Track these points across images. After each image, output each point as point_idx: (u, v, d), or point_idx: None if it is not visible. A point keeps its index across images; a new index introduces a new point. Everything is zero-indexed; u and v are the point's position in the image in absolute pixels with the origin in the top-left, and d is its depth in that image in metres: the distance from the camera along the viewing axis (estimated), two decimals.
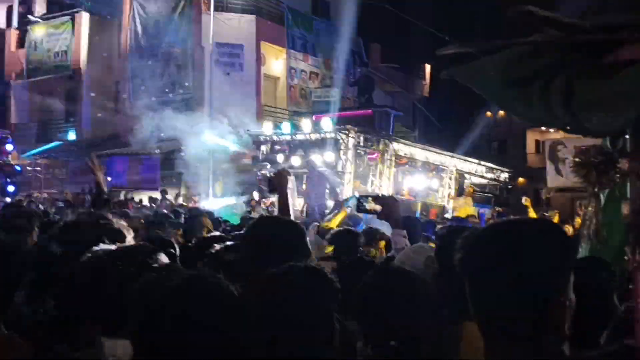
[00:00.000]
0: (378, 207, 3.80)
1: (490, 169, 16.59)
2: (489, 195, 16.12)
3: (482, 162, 16.42)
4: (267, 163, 13.37)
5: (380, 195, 8.76)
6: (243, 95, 19.18)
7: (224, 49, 19.16)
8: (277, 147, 13.48)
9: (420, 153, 14.15)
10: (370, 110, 13.73)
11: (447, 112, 28.07)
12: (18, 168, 16.12)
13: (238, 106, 18.77)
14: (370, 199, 4.12)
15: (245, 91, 19.39)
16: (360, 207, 4.40)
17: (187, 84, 19.42)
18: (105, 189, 4.43)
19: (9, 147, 15.75)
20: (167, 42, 19.49)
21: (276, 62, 21.15)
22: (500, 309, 1.18)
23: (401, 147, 13.51)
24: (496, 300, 1.18)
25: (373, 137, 12.80)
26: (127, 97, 20.45)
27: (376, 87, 18.51)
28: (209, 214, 6.32)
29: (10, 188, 14.72)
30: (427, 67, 27.39)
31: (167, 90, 19.73)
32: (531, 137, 30.39)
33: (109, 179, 18.55)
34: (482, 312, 1.22)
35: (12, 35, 22.99)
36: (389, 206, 3.64)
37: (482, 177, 16.21)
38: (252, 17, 19.63)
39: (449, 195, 14.56)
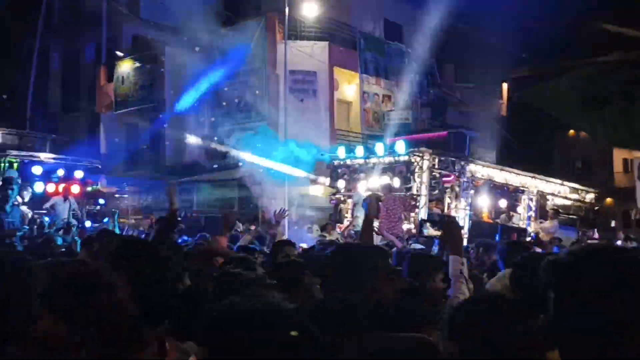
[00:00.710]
0: (437, 233, 3.70)
1: (575, 190, 15.87)
2: (574, 217, 15.40)
3: (565, 183, 15.75)
4: (341, 187, 13.45)
5: (442, 217, 8.58)
6: (317, 121, 19.49)
7: (297, 76, 19.59)
8: (346, 170, 13.51)
9: (499, 174, 13.77)
10: (445, 132, 13.53)
11: (526, 131, 27.24)
12: (102, 200, 16.98)
13: (312, 131, 19.06)
14: (428, 224, 3.94)
15: (319, 116, 19.70)
16: (421, 233, 4.26)
17: (262, 111, 19.93)
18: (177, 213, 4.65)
19: (99, 176, 16.61)
20: (243, 71, 20.15)
21: (349, 86, 21.37)
22: (600, 337, 1.13)
23: (478, 169, 13.20)
24: (600, 327, 1.13)
25: (448, 159, 12.60)
26: (206, 125, 21.23)
27: (451, 107, 18.29)
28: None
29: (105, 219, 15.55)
30: (504, 86, 26.73)
31: (244, 117, 20.34)
32: (618, 156, 28.93)
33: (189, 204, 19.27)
34: (571, 341, 1.17)
35: (102, 71, 24.53)
36: (450, 231, 3.53)
37: (566, 198, 15.53)
38: (325, 43, 19.99)
39: (530, 217, 14.04)
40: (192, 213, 18.96)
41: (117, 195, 20.74)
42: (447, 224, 3.71)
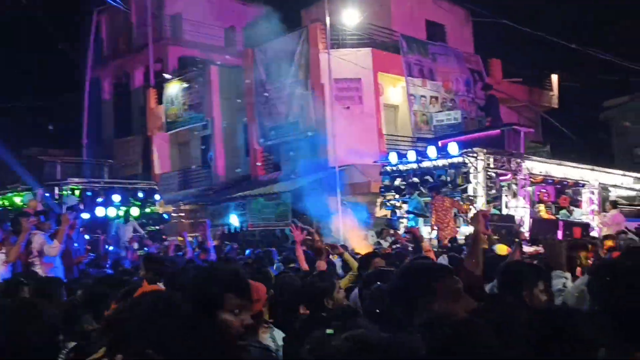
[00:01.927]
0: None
1: (639, 180, 15.21)
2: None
3: (627, 173, 15.11)
4: (395, 193, 13.33)
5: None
6: (364, 127, 19.42)
7: (342, 84, 19.59)
8: (399, 175, 13.35)
9: (557, 169, 13.34)
10: (498, 130, 13.22)
11: (579, 123, 26.37)
12: (165, 216, 17.35)
13: (360, 138, 19.02)
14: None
15: (366, 123, 19.63)
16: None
17: (309, 122, 20.00)
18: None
19: (156, 197, 17.01)
20: (289, 84, 20.31)
21: (394, 90, 21.23)
22: None
23: (535, 165, 12.83)
24: None
25: (503, 158, 12.30)
26: (255, 140, 21.48)
27: (500, 103, 17.87)
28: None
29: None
30: (554, 78, 26.00)
31: (292, 129, 20.48)
32: None
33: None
34: None
35: (151, 94, 25.21)
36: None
37: (631, 189, 14.89)
38: (368, 50, 19.93)
39: (593, 211, 13.53)
40: (247, 228, 19.20)
41: (174, 215, 21.23)
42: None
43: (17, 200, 15.49)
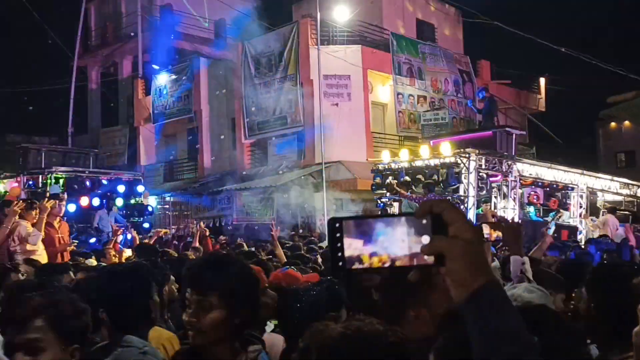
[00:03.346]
0: (496, 234, 3.57)
1: (625, 185, 15.37)
2: (626, 212, 14.90)
3: (615, 178, 15.27)
4: (386, 191, 13.30)
5: (501, 219, 8.32)
6: (352, 124, 19.38)
7: (331, 80, 19.53)
8: (390, 174, 13.33)
9: (547, 172, 13.43)
10: (490, 132, 13.26)
11: (566, 126, 26.65)
12: (150, 208, 17.15)
13: (348, 135, 18.97)
14: (486, 225, 3.74)
15: (355, 120, 19.59)
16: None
17: (297, 118, 19.92)
18: None
19: (141, 188, 16.79)
20: (278, 79, 20.19)
21: (383, 88, 21.22)
22: None
23: (525, 167, 12.90)
24: None
25: (495, 159, 12.33)
26: (243, 134, 21.33)
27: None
28: None
29: (146, 225, 15.77)
30: (542, 81, 26.21)
31: (279, 124, 20.37)
32: None
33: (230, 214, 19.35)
34: None
35: (139, 85, 24.91)
36: (514, 231, 3.35)
37: (617, 193, 15.05)
38: (358, 47, 19.89)
39: (580, 214, 13.65)
40: (232, 222, 19.06)
41: (159, 207, 21.00)
42: (512, 224, 3.65)
43: (0, 187, 15.18)
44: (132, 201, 16.72)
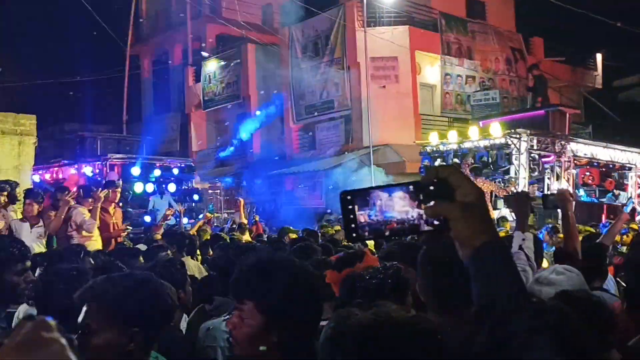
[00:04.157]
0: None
1: None
2: None
3: None
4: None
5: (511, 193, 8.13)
6: (400, 107, 19.19)
7: (378, 62, 19.36)
8: (439, 156, 13.15)
9: (603, 152, 12.96)
10: (542, 111, 12.86)
11: (624, 104, 25.52)
12: (200, 194, 17.52)
13: (396, 117, 18.80)
14: (502, 203, 3.68)
15: (402, 102, 19.39)
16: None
17: (345, 101, 19.87)
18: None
19: (192, 173, 17.15)
20: (325, 63, 20.16)
21: (431, 69, 20.87)
22: None
23: (580, 147, 12.49)
24: None
25: (547, 139, 11.98)
26: (291, 118, 21.46)
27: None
28: None
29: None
30: (599, 57, 25.18)
31: (327, 108, 20.39)
32: None
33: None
34: None
35: (189, 72, 25.35)
36: (516, 206, 3.25)
37: None
38: (405, 27, 19.60)
39: (638, 195, 13.14)
40: (282, 206, 19.28)
41: (210, 191, 21.44)
42: (514, 199, 3.46)
43: (59, 174, 15.79)
44: (184, 186, 17.10)
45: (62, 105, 26.42)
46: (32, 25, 23.09)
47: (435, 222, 1.05)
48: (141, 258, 4.91)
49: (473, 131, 12.31)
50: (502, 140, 11.75)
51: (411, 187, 1.06)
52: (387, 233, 1.05)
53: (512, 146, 11.68)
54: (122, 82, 23.73)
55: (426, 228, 1.05)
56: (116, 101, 24.33)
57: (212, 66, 24.18)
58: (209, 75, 24.24)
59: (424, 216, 1.04)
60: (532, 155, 11.81)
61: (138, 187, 15.39)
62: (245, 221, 11.05)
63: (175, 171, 16.26)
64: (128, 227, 9.24)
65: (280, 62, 21.64)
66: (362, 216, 1.05)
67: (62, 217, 7.26)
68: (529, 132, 11.71)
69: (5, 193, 7.11)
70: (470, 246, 1.02)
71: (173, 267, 3.41)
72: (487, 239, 1.02)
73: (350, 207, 1.06)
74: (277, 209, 19.48)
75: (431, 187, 1.05)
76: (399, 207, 1.04)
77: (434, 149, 13.17)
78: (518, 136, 11.59)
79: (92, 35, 22.35)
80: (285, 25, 21.83)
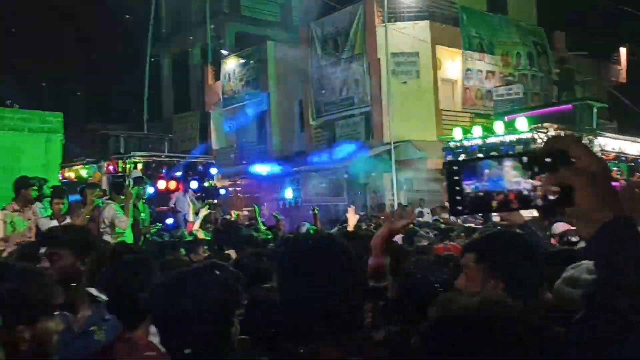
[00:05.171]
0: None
1: None
2: None
3: None
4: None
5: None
6: (421, 102, 19.07)
7: (399, 58, 19.25)
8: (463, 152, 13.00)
9: (631, 146, 12.74)
10: (569, 105, 12.67)
11: None
12: (223, 191, 17.56)
13: (417, 113, 18.69)
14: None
15: (423, 98, 19.27)
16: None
17: (364, 97, 19.80)
18: None
19: (214, 170, 17.20)
20: (345, 59, 20.10)
21: (453, 64, 20.69)
22: None
23: (608, 142, 12.29)
24: None
25: (574, 134, 11.80)
26: (310, 115, 21.43)
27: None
28: None
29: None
30: (623, 51, 24.78)
31: (347, 104, 20.32)
32: None
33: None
34: None
35: (209, 70, 25.45)
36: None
37: None
38: (426, 22, 19.46)
39: None
40: (302, 203, 19.27)
41: (230, 189, 21.49)
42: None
43: (83, 172, 15.93)
44: (206, 184, 17.16)
45: (85, 104, 26.68)
46: (57, 26, 23.33)
47: (551, 197, 0.98)
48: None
49: (498, 126, 12.17)
50: (529, 135, 11.60)
51: (524, 157, 0.99)
52: (494, 205, 0.98)
53: (539, 141, 11.53)
54: (142, 81, 23.88)
55: (539, 202, 0.98)
56: (137, 100, 24.51)
57: (231, 64, 24.23)
58: (229, 74, 24.30)
59: (538, 190, 0.97)
60: None
61: (160, 185, 15.48)
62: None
63: (197, 169, 16.35)
64: (157, 225, 9.27)
65: (300, 59, 21.62)
66: (467, 187, 0.99)
67: (88, 215, 7.21)
68: (556, 126, 11.55)
69: (35, 188, 7.15)
70: (595, 221, 0.94)
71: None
72: (615, 215, 0.94)
73: (455, 177, 1.00)
74: (297, 206, 19.49)
75: (548, 159, 0.98)
76: (510, 177, 0.97)
77: (458, 144, 13.05)
78: (545, 130, 11.44)
79: (114, 35, 22.56)
80: (304, 22, 21.81)
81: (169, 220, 13.52)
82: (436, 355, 1.13)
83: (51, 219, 6.99)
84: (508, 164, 0.98)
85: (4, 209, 6.77)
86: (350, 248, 1.88)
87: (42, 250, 2.89)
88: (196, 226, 8.88)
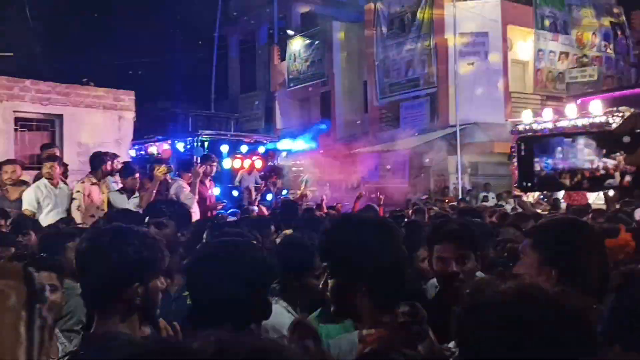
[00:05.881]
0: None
1: None
2: None
3: None
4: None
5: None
6: (489, 84, 18.56)
7: (467, 38, 18.77)
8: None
9: None
10: None
11: None
12: (286, 170, 17.80)
13: (484, 96, 18.20)
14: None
15: (492, 79, 18.75)
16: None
17: (431, 79, 19.46)
18: None
19: (280, 148, 17.45)
20: (411, 39, 19.78)
21: (524, 44, 19.97)
22: None
23: None
24: None
25: None
26: (375, 96, 21.28)
27: None
28: None
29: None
30: None
31: (412, 86, 20.04)
32: None
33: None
34: None
35: (275, 51, 25.67)
36: None
37: None
38: (497, 1, 18.86)
39: None
40: (365, 184, 19.24)
41: (294, 169, 21.73)
42: None
43: (152, 149, 16.51)
44: (271, 164, 17.42)
45: (155, 83, 27.54)
46: (130, 11, 24.14)
47: (628, 178, 0.94)
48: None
49: (570, 109, 11.67)
50: (603, 119, 11.06)
51: (601, 136, 0.95)
52: (567, 183, 0.95)
53: (614, 125, 10.99)
54: (210, 62, 24.39)
55: (615, 182, 0.94)
56: (204, 80, 25.07)
57: (297, 45, 24.35)
58: (294, 54, 24.44)
59: (613, 170, 0.94)
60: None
61: (226, 163, 15.85)
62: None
63: (262, 149, 16.61)
64: (223, 202, 9.49)
65: (365, 39, 21.43)
66: (538, 164, 0.97)
67: (154, 190, 7.35)
68: (632, 110, 10.95)
69: (109, 162, 7.47)
70: None
71: None
72: None
73: (526, 154, 0.98)
74: (359, 187, 19.48)
75: (627, 138, 0.93)
76: (583, 155, 0.94)
77: (527, 127, 12.62)
78: (620, 114, 10.88)
79: (183, 17, 23.10)
80: (370, 1, 21.57)
81: (234, 193, 13.88)
82: (468, 340, 1.14)
83: (121, 193, 7.27)
84: (581, 141, 0.95)
85: (82, 182, 7.11)
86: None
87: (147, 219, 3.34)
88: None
